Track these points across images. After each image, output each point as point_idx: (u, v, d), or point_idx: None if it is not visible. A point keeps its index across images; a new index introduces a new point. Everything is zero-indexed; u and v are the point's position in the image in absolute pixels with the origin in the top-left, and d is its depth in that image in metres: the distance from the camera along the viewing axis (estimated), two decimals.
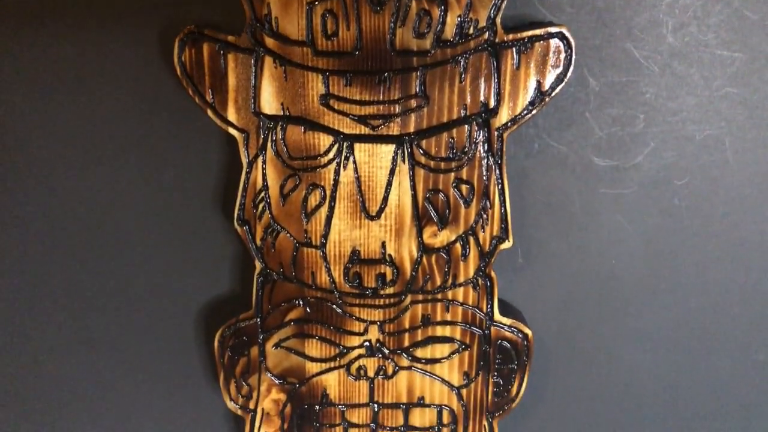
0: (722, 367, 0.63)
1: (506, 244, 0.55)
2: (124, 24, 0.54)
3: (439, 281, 0.55)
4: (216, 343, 0.58)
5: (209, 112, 0.52)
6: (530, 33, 0.50)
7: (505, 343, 0.58)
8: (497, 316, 0.57)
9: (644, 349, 0.63)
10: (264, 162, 0.53)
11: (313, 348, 0.57)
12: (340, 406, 0.59)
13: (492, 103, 0.51)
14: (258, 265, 0.55)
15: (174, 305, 0.61)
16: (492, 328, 0.57)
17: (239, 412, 0.60)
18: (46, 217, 0.59)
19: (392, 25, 0.49)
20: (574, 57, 0.51)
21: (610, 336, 0.62)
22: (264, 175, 0.53)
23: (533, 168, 0.58)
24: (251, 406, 0.59)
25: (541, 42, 0.51)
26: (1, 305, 0.61)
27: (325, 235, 0.54)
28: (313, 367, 0.58)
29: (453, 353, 0.58)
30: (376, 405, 0.59)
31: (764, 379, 0.64)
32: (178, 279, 0.60)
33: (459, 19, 0.49)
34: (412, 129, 0.51)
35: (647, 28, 0.54)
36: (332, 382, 0.58)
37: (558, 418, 0.65)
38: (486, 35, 0.50)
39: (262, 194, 0.54)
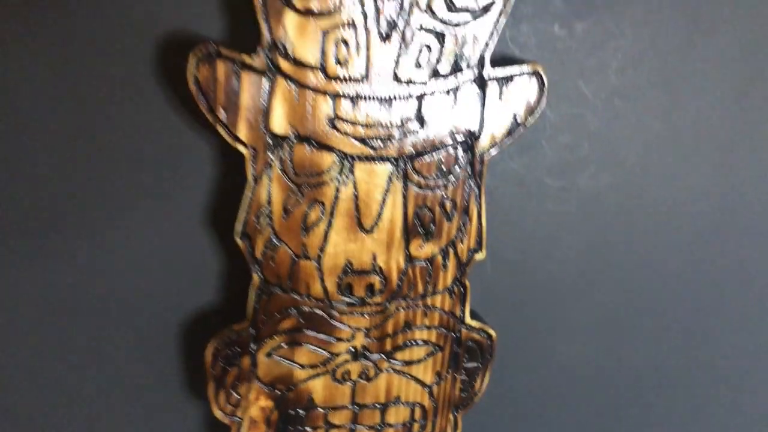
0: (639, 365, 0.75)
1: (480, 255, 0.61)
2: (128, 35, 0.53)
3: (421, 289, 0.60)
4: (209, 355, 0.58)
5: (220, 129, 0.53)
6: (512, 69, 0.57)
7: (471, 344, 0.64)
8: (468, 320, 0.63)
9: (577, 341, 0.72)
10: (270, 179, 0.55)
11: (303, 356, 0.60)
12: (323, 409, 0.62)
13: (477, 130, 0.57)
14: (256, 277, 0.57)
15: (154, 318, 0.60)
16: (462, 330, 0.63)
17: (227, 420, 0.61)
18: (39, 219, 0.56)
19: (397, 55, 0.53)
20: (546, 93, 0.58)
21: (550, 332, 0.71)
22: (269, 191, 0.55)
23: (495, 187, 0.65)
24: (239, 414, 0.60)
25: (521, 78, 0.57)
26: None
27: (322, 249, 0.57)
28: (301, 374, 0.60)
29: (428, 355, 0.63)
30: (356, 406, 0.63)
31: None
32: (160, 292, 0.60)
33: (454, 55, 0.55)
34: (407, 151, 0.56)
35: (595, 69, 0.63)
36: (318, 387, 0.61)
37: (510, 407, 0.73)
38: (475, 70, 0.56)
39: (265, 209, 0.55)
